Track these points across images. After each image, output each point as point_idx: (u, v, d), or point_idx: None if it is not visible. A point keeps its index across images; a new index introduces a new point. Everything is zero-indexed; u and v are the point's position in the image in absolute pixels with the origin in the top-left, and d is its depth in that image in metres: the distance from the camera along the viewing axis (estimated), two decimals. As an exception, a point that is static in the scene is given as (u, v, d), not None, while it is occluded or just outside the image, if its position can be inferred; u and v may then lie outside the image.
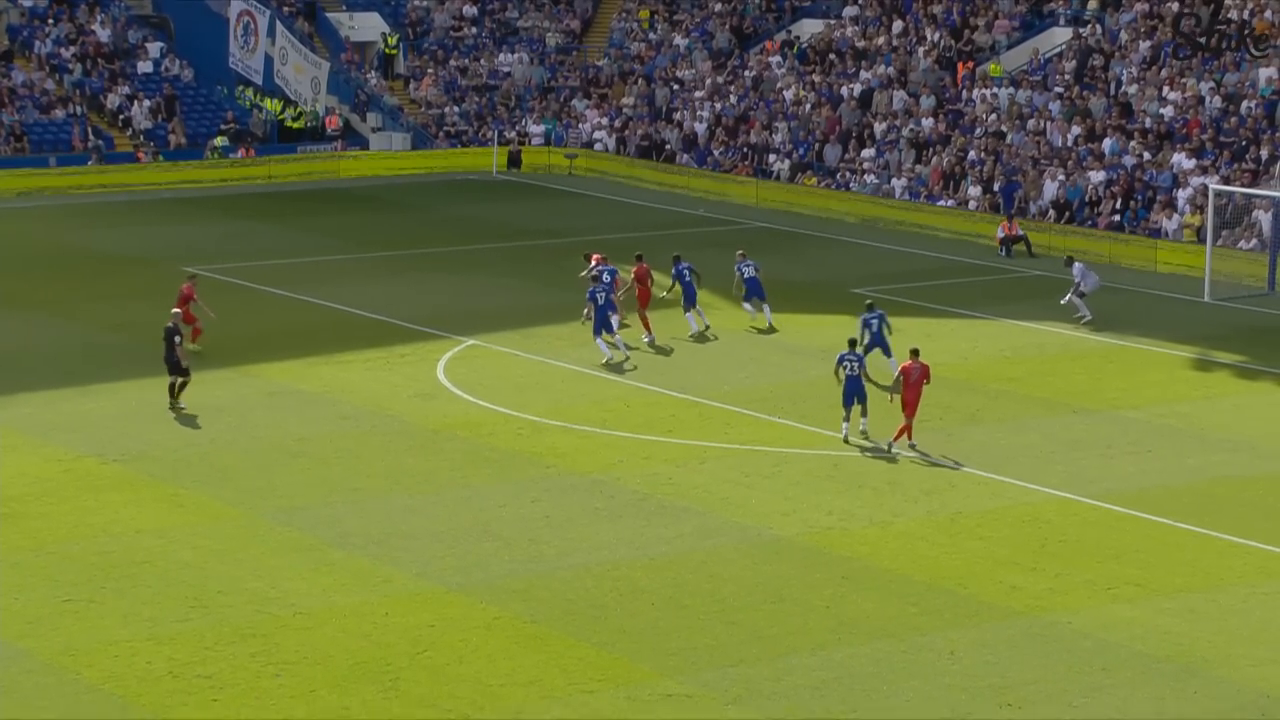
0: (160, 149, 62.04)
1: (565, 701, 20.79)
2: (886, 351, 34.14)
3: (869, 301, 35.37)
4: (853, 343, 32.15)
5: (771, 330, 39.26)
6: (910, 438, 30.64)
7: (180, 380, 32.88)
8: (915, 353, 30.90)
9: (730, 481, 28.93)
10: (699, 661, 21.90)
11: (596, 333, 36.11)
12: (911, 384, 30.45)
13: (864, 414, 31.02)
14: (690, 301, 38.69)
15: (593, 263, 40.11)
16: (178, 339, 32.94)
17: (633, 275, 38.68)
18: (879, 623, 23.13)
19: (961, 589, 24.30)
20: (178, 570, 24.99)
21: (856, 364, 31.05)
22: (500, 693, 21.04)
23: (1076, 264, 40.98)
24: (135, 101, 63.31)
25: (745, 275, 39.41)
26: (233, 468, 29.75)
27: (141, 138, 62.36)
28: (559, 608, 23.67)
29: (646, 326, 38.05)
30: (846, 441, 30.82)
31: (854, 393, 30.86)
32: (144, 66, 65.19)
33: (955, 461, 29.89)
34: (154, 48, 66.11)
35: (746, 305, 39.55)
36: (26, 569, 24.91)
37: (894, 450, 30.35)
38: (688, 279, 38.76)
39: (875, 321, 34.23)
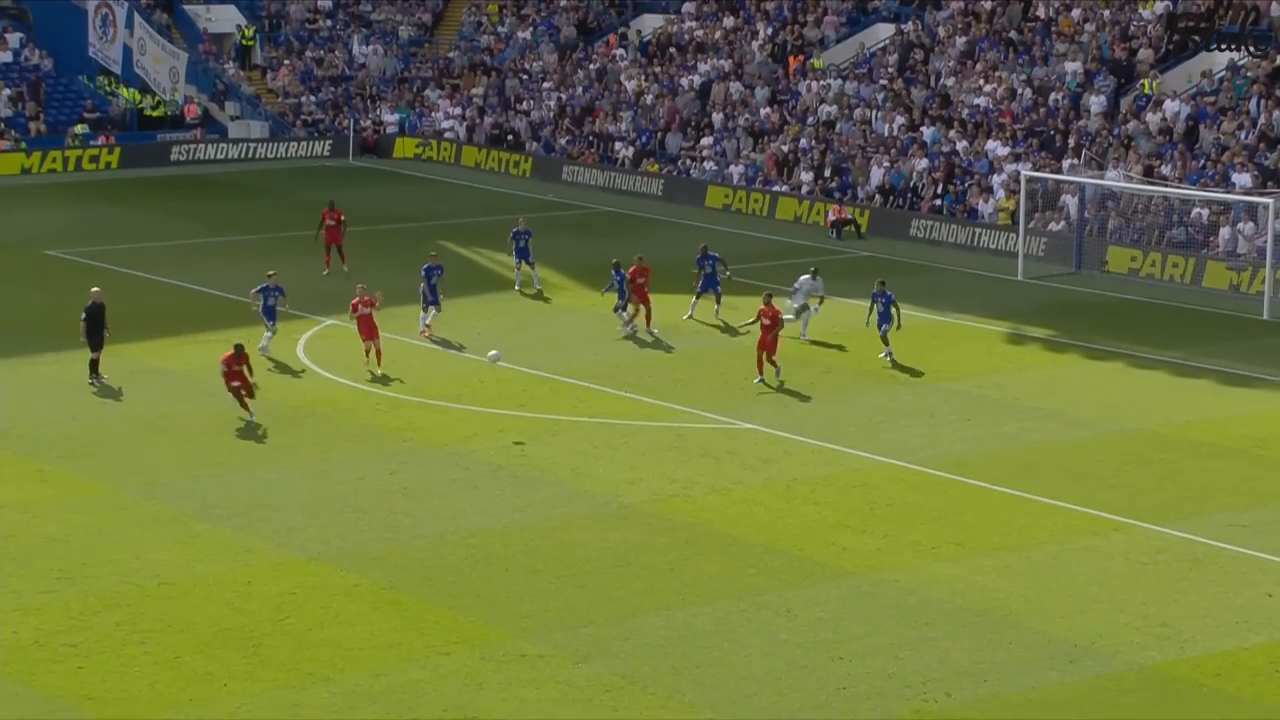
0: (21, 136, 60.53)
1: (422, 663, 20.69)
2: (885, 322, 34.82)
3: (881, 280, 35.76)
4: (882, 282, 35.15)
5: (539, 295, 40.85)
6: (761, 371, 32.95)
7: (98, 356, 32.57)
8: (768, 296, 33.55)
9: (580, 453, 28.94)
10: (550, 623, 21.90)
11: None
12: (767, 326, 32.76)
13: (888, 342, 34.33)
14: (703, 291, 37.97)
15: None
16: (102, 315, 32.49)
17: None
18: (720, 584, 23.29)
19: (797, 551, 24.55)
20: (42, 544, 24.44)
21: (885, 301, 34.53)
22: (360, 656, 20.88)
23: (803, 277, 37.78)
24: (-5, 90, 61.72)
25: (519, 245, 41.11)
26: (97, 444, 29.17)
27: (2, 125, 60.77)
28: (416, 574, 23.54)
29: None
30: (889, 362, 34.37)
31: (881, 323, 34.43)
32: (3, 56, 63.55)
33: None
34: (13, 38, 64.46)
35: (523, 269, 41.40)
36: (-108, 545, 24.20)
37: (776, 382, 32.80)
38: (707, 270, 37.97)
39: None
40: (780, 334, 33.29)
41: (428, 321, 36.91)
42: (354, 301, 33.81)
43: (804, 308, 37.07)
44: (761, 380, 32.98)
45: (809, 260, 45.62)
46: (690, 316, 38.10)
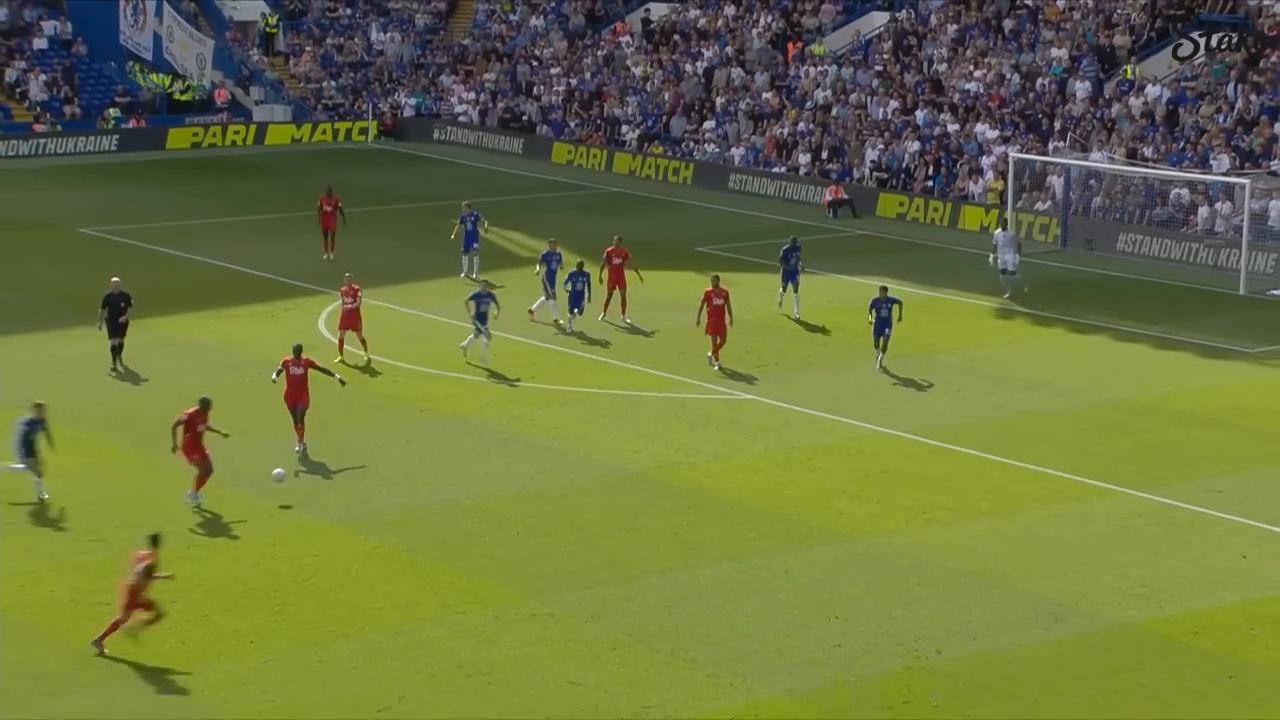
0: (57, 120, 60.50)
1: (439, 621, 20.73)
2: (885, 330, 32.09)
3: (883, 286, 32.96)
4: (884, 288, 32.47)
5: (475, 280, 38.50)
6: (716, 357, 31.97)
7: (120, 342, 31.50)
8: (716, 279, 32.36)
9: (588, 422, 28.94)
10: (560, 584, 21.92)
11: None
12: (714, 309, 31.64)
13: (883, 349, 31.92)
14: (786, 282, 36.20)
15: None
16: (124, 304, 31.36)
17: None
18: (722, 547, 23.30)
19: (795, 516, 24.56)
20: (78, 507, 24.50)
21: (886, 307, 31.91)
22: (380, 614, 20.91)
23: (996, 232, 39.60)
24: (31, 76, 61.59)
25: (467, 228, 39.24)
26: (129, 413, 29.18)
27: (39, 109, 60.75)
28: (433, 538, 23.56)
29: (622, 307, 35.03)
30: (879, 368, 31.92)
31: (879, 330, 31.91)
32: (39, 43, 63.51)
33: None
34: (49, 25, 64.39)
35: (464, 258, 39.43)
36: (-65, 509, 24.25)
37: (715, 366, 31.91)
38: (792, 263, 36.08)
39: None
40: (728, 317, 31.78)
41: (556, 317, 34.81)
42: (343, 290, 32.32)
43: (1005, 263, 37.76)
44: (712, 360, 31.97)
45: (807, 239, 45.63)
46: (795, 315, 36.11)
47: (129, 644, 20.00)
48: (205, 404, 24.71)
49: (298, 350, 27.08)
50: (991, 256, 39.06)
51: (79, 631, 20.30)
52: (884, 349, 32.17)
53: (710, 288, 32.32)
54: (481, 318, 31.92)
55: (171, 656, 19.74)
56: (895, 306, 32.10)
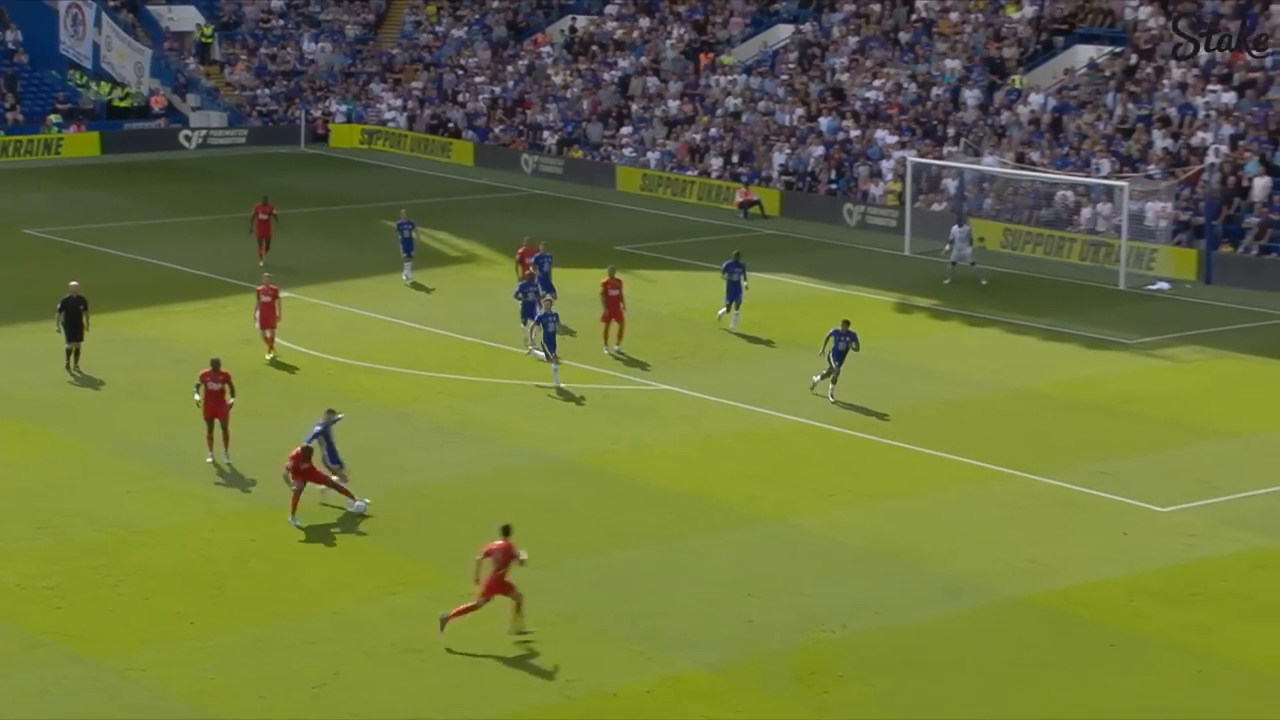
0: (-1, 126, 59.49)
1: (374, 602, 20.59)
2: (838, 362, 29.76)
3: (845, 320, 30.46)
4: (846, 322, 29.90)
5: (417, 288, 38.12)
6: (619, 341, 32.06)
7: (78, 346, 30.37)
8: (613, 269, 32.57)
9: (516, 412, 28.84)
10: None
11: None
12: (611, 299, 31.76)
13: (834, 381, 29.50)
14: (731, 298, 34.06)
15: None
16: (82, 308, 30.35)
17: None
18: (644, 530, 23.31)
19: (713, 500, 24.61)
20: (25, 497, 24.07)
21: (846, 341, 29.51)
22: (317, 596, 20.73)
23: (954, 228, 40.15)
24: (-27, 83, 60.49)
25: (404, 235, 38.18)
26: (75, 406, 28.72)
27: (-20, 115, 59.71)
28: (369, 523, 23.37)
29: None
30: (812, 388, 29.64)
31: (837, 361, 29.51)
32: (-19, 52, 62.41)
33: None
34: (-10, 36, 63.25)
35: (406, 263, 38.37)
36: (-116, 500, 23.72)
37: (616, 350, 32.05)
38: (734, 278, 34.02)
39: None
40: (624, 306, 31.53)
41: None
42: (259, 289, 31.71)
43: (962, 256, 38.80)
44: (608, 350, 32.02)
45: (720, 238, 45.64)
46: (734, 329, 34.22)
47: (75, 625, 19.68)
48: (307, 452, 23.42)
49: (216, 364, 26.07)
50: (946, 246, 40.15)
51: (25, 615, 19.96)
52: (834, 380, 29.66)
53: (606, 279, 32.30)
54: (550, 340, 29.97)
55: (115, 636, 19.47)
56: (852, 343, 29.60)
